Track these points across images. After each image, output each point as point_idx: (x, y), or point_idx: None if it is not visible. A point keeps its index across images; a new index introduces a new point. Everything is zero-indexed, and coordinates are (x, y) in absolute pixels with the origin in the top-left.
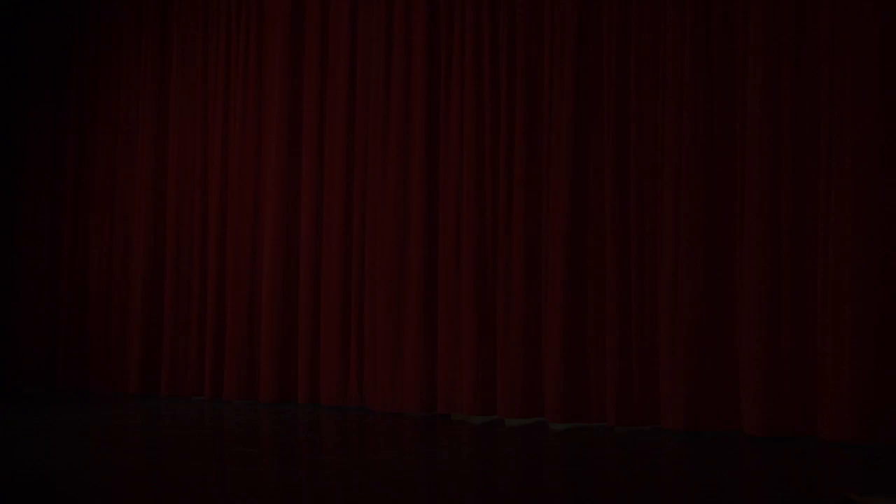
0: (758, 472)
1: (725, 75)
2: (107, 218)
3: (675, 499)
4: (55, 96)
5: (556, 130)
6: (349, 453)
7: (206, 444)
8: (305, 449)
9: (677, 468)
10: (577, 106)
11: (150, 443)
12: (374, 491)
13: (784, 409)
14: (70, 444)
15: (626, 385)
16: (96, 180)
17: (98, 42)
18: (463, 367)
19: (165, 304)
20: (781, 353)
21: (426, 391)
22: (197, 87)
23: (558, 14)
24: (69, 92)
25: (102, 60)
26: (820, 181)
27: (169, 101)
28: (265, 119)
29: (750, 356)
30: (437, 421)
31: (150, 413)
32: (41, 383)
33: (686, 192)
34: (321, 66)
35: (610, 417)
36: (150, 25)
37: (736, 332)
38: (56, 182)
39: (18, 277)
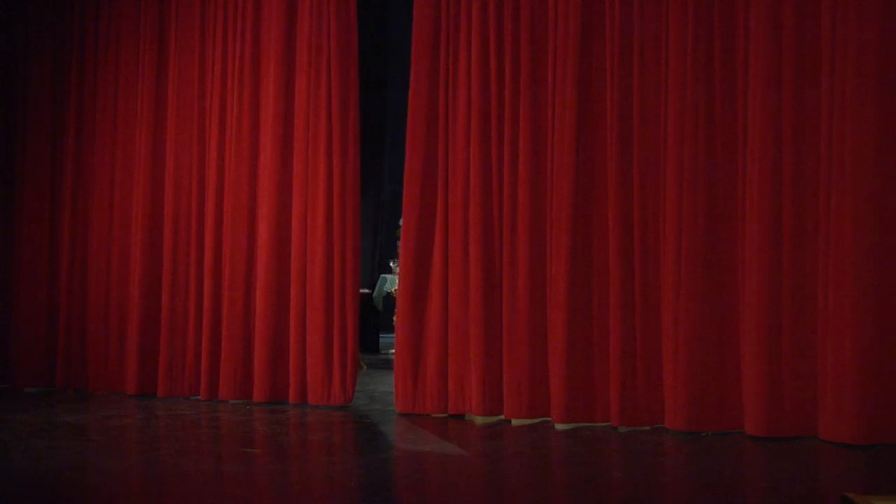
0: (759, 472)
1: (727, 73)
2: (105, 219)
3: (676, 499)
4: (54, 99)
5: (560, 130)
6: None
7: (203, 444)
8: (304, 449)
9: (679, 468)
10: (580, 106)
11: (148, 443)
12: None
13: (786, 409)
14: (69, 444)
15: (629, 385)
16: (95, 182)
17: (97, 45)
18: (472, 369)
19: (163, 305)
20: (783, 354)
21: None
22: (194, 88)
23: (562, 9)
24: (67, 99)
25: (100, 65)
26: (821, 181)
27: (167, 101)
28: (262, 119)
29: (752, 357)
30: (429, 420)
31: (148, 413)
32: (41, 383)
33: (688, 192)
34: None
35: (614, 418)
36: (147, 24)
37: (738, 333)
38: (55, 184)
39: (18, 278)
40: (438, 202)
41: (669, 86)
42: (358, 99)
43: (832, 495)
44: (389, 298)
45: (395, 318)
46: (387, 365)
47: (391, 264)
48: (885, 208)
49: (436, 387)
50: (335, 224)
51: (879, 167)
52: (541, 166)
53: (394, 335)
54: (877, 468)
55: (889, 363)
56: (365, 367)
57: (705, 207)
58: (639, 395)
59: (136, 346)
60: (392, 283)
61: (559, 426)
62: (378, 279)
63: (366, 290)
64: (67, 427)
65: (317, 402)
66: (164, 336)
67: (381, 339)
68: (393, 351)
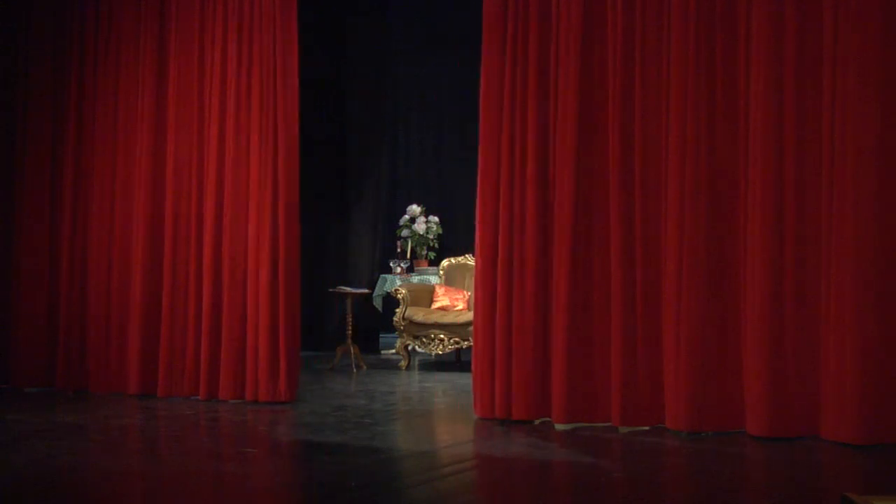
0: (760, 472)
1: (729, 73)
2: (105, 219)
3: (677, 498)
4: (54, 99)
5: (563, 131)
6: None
7: (203, 444)
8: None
9: (680, 468)
10: (581, 106)
11: (147, 443)
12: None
13: (787, 409)
14: (69, 444)
15: (630, 386)
16: (95, 181)
17: (97, 45)
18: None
19: (163, 305)
20: (785, 355)
21: None
22: (194, 87)
23: (564, 12)
24: (67, 99)
25: (100, 65)
26: (822, 180)
27: (167, 101)
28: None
29: (753, 357)
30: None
31: (147, 413)
32: (41, 383)
33: (690, 192)
34: None
35: (615, 418)
36: (147, 25)
37: (739, 333)
38: (55, 183)
39: (18, 278)
40: (501, 201)
41: (671, 85)
42: (298, 99)
43: (832, 495)
44: (389, 298)
45: (394, 319)
46: (387, 365)
47: (391, 264)
48: (887, 208)
49: (489, 390)
50: (280, 226)
51: (881, 167)
52: (544, 165)
53: (393, 335)
54: (878, 468)
55: (891, 363)
56: (365, 367)
57: (707, 208)
58: (640, 395)
59: (136, 347)
60: (392, 283)
61: (559, 426)
62: (378, 279)
63: (365, 291)
64: (67, 427)
65: (264, 399)
66: (164, 336)
67: (381, 340)
68: (393, 351)
